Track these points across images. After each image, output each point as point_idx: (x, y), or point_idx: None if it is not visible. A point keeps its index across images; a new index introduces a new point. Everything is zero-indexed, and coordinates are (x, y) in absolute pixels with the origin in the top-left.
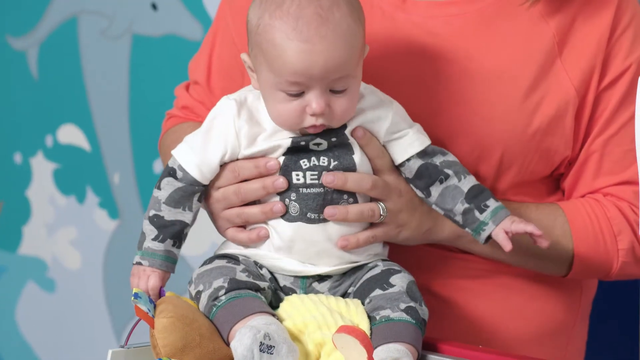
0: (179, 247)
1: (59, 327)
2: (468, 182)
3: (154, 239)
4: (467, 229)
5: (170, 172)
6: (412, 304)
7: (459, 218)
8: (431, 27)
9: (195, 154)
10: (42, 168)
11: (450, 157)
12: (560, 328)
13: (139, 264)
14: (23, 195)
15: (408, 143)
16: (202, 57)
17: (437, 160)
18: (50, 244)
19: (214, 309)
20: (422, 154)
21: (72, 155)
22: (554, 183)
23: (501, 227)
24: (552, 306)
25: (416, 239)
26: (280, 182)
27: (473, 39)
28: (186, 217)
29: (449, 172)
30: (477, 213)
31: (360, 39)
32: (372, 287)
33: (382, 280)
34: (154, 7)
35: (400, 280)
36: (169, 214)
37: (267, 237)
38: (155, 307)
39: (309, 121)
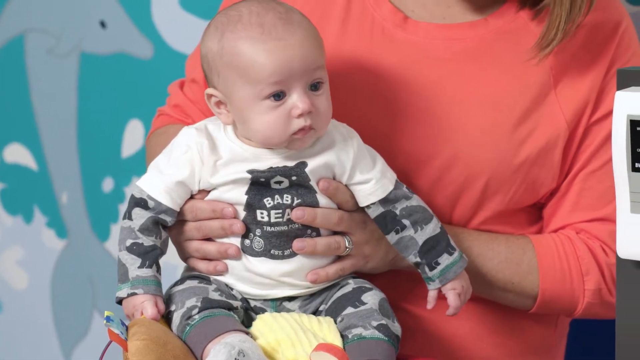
0: (160, 272)
1: (6, 348)
2: (424, 234)
3: (140, 267)
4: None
5: (140, 203)
6: (384, 321)
7: (411, 265)
8: (430, 49)
9: (163, 182)
10: None
11: (414, 202)
12: (536, 347)
13: (133, 294)
14: None
15: (370, 192)
16: None
17: (399, 206)
18: None
19: (188, 328)
20: (383, 201)
21: (18, 174)
22: (537, 212)
23: (447, 288)
24: (528, 326)
25: (382, 268)
26: (237, 227)
27: (470, 64)
28: (159, 244)
29: (407, 222)
30: (427, 269)
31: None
32: (343, 305)
33: (353, 298)
34: (103, 25)
35: (372, 298)
36: (147, 240)
37: (224, 271)
38: (127, 329)
39: (297, 124)
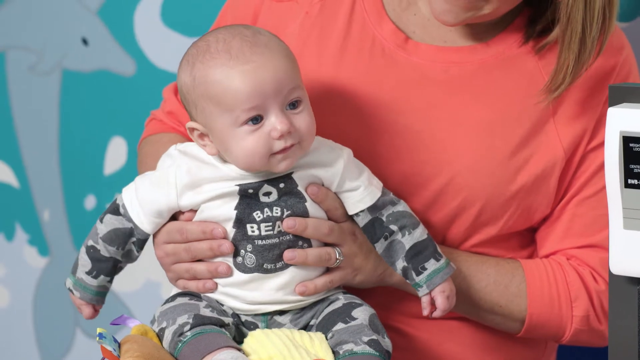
0: (112, 280)
1: None
2: (412, 239)
3: (88, 273)
4: (408, 281)
5: (115, 209)
6: (374, 336)
7: (399, 273)
8: (428, 72)
9: (139, 202)
10: None
11: (400, 208)
12: None
13: (71, 291)
14: None
15: (359, 199)
16: None
17: (386, 213)
18: None
19: (180, 344)
20: (371, 208)
21: (0, 192)
22: (530, 235)
23: (436, 291)
24: (517, 345)
25: (370, 283)
26: (225, 247)
27: (469, 88)
28: (120, 255)
29: (394, 227)
30: (414, 274)
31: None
32: (334, 321)
33: (344, 314)
34: (85, 42)
35: (362, 313)
36: (105, 250)
37: (214, 289)
38: (120, 346)
39: (278, 146)
